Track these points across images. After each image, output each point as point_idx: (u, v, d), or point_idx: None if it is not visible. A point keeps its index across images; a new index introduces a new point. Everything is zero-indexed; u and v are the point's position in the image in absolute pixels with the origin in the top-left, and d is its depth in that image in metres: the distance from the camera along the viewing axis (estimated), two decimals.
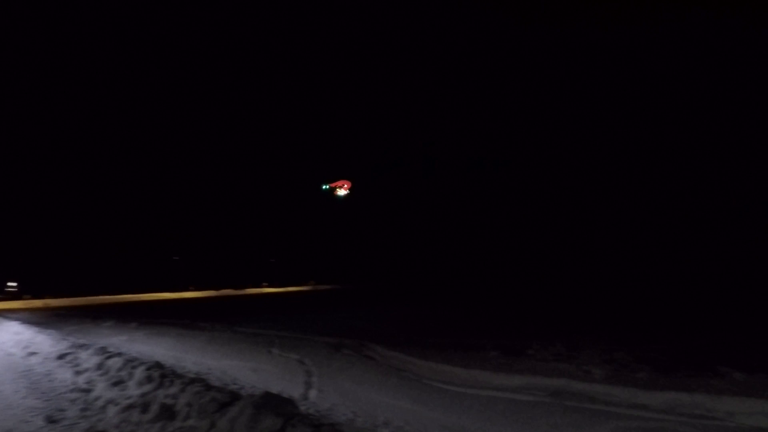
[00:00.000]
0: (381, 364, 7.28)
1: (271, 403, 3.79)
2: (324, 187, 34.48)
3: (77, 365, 6.18)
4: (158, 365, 5.45)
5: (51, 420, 4.37)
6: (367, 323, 11.90)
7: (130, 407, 4.38)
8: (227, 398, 4.02)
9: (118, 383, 5.16)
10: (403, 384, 6.03)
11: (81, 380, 5.57)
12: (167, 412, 4.08)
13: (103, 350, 6.64)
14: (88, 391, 5.20)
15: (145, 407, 4.26)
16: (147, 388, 4.78)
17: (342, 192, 34.47)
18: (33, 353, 7.38)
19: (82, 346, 7.14)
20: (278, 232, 39.29)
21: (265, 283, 32.57)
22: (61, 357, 6.70)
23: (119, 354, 6.40)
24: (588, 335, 8.56)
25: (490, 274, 31.64)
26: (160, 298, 23.53)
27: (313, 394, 5.44)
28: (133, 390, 4.87)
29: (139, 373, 5.16)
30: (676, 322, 11.07)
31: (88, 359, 6.29)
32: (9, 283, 20.44)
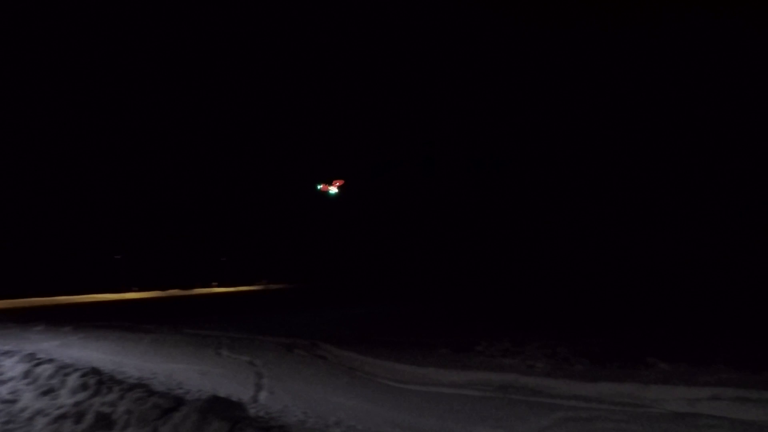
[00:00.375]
0: (333, 363, 7.27)
1: (218, 407, 3.69)
2: (318, 186, 34.02)
3: (0, 374, 5.71)
4: (95, 371, 5.14)
5: None
6: (321, 323, 11.82)
7: (61, 418, 4.10)
8: (171, 404, 3.86)
9: (48, 392, 4.81)
10: (355, 383, 6.05)
11: (4, 390, 5.15)
12: (104, 421, 3.86)
13: (31, 357, 6.16)
14: (12, 402, 4.81)
15: (78, 417, 4.00)
16: (81, 396, 4.49)
17: (333, 190, 34.05)
18: None
19: (6, 353, 6.60)
20: (231, 230, 38.01)
21: (214, 283, 31.51)
22: None
23: (50, 360, 5.96)
24: (533, 331, 8.95)
25: (460, 272, 32.11)
26: (99, 299, 22.17)
27: (263, 396, 5.34)
28: (66, 399, 4.57)
29: (73, 380, 4.84)
30: (618, 316, 11.80)
31: (13, 367, 5.82)
32: None
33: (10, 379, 5.47)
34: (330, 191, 33.56)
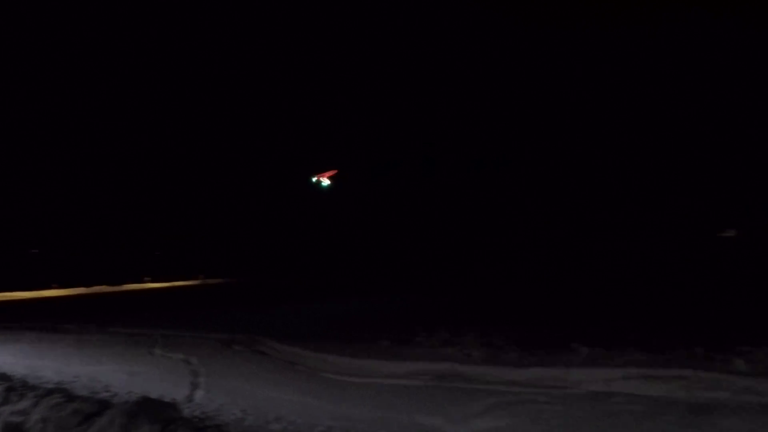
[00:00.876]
0: (275, 359, 7.16)
1: (149, 409, 3.52)
2: (313, 179, 32.63)
3: None
4: (4, 377, 4.70)
5: None
6: (263, 318, 11.56)
7: None
8: (94, 408, 3.63)
9: None
10: (297, 378, 6.01)
11: None
12: None
13: None
14: None
15: None
16: None
17: (326, 182, 32.75)
18: None
19: None
20: (168, 222, 35.59)
21: (147, 278, 29.66)
22: None
23: None
24: (470, 323, 9.32)
25: (434, 268, 32.00)
26: (12, 298, 20.17)
27: (199, 395, 5.16)
28: None
29: None
30: (550, 306, 12.59)
31: None
32: None
33: None
34: (322, 183, 32.64)
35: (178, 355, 7.15)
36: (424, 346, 7.29)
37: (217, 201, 37.34)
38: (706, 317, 9.26)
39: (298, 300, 16.94)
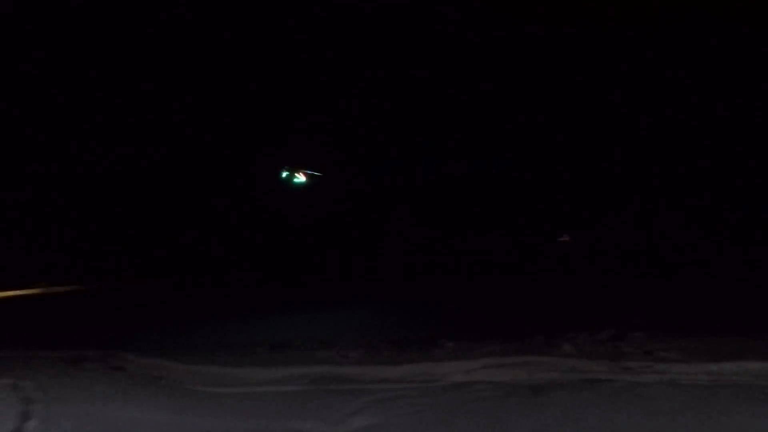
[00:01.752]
0: (134, 374, 6.45)
1: None
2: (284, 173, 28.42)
3: None
4: None
5: None
6: (122, 328, 10.31)
7: None
8: None
9: None
10: (161, 393, 5.51)
11: None
12: None
13: None
14: None
15: None
16: None
17: (300, 178, 28.97)
18: None
19: None
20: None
21: None
22: None
23: None
24: (350, 321, 9.58)
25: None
26: None
27: (31, 426, 4.42)
28: None
29: None
30: (421, 306, 13.46)
31: None
32: None
33: None
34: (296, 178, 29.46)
35: (4, 380, 6.01)
36: (301, 349, 7.28)
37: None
38: (546, 310, 10.88)
39: (178, 306, 15.44)
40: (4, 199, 28.61)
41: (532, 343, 6.74)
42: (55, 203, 30.90)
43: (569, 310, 10.63)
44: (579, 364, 5.67)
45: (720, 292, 12.26)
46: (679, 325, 7.35)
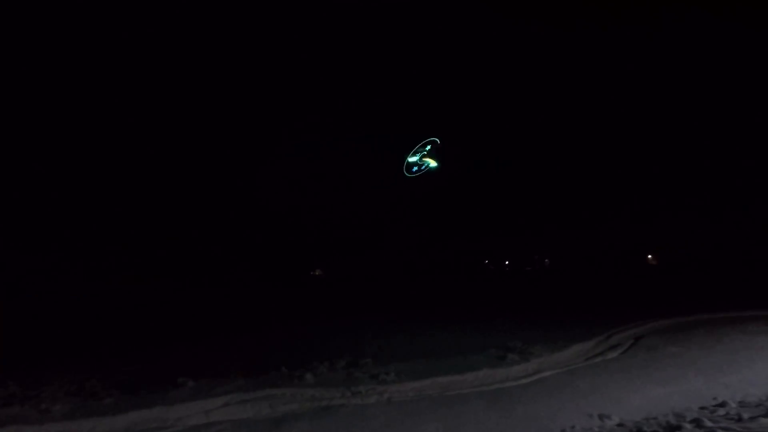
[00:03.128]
0: None
1: None
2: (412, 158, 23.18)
3: None
4: None
5: None
6: None
7: None
8: None
9: None
10: None
11: None
12: None
13: None
14: None
15: None
16: None
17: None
18: None
19: None
20: None
21: None
22: None
23: None
24: (54, 367, 7.65)
25: None
26: None
27: None
28: None
29: None
30: (158, 338, 11.82)
31: None
32: None
33: None
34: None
35: None
36: None
37: None
38: (293, 342, 11.25)
39: None
40: None
41: (276, 376, 6.83)
42: None
43: (311, 342, 11.24)
44: (318, 393, 6.12)
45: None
46: (399, 351, 8.76)
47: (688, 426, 4.47)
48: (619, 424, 4.82)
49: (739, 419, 4.59)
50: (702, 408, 5.15)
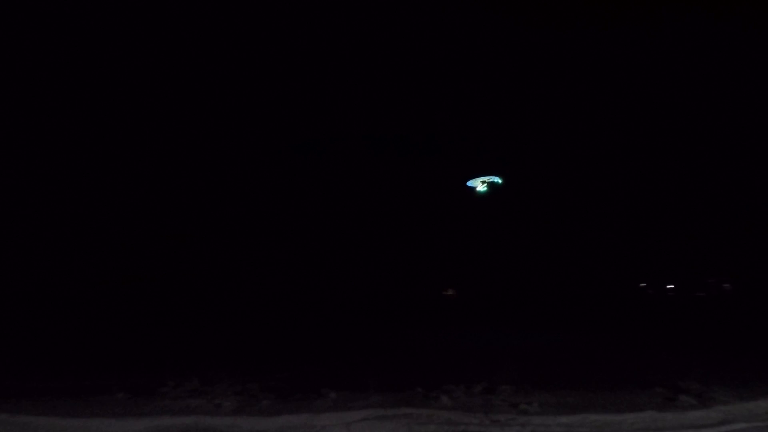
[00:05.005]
0: None
1: None
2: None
3: None
4: None
5: None
6: None
7: None
8: None
9: None
10: None
11: None
12: None
13: None
14: None
15: None
16: None
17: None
18: None
19: None
20: None
21: None
22: None
23: None
24: (225, 368, 8.83)
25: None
26: None
27: None
28: None
29: None
30: (305, 350, 12.98)
31: None
32: None
33: None
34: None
35: None
36: (170, 397, 6.50)
37: None
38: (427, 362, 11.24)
39: None
40: None
41: (411, 395, 6.84)
42: None
43: (448, 363, 11.09)
44: (455, 417, 5.93)
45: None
46: (543, 379, 8.08)
47: None
48: None
49: None
50: None
